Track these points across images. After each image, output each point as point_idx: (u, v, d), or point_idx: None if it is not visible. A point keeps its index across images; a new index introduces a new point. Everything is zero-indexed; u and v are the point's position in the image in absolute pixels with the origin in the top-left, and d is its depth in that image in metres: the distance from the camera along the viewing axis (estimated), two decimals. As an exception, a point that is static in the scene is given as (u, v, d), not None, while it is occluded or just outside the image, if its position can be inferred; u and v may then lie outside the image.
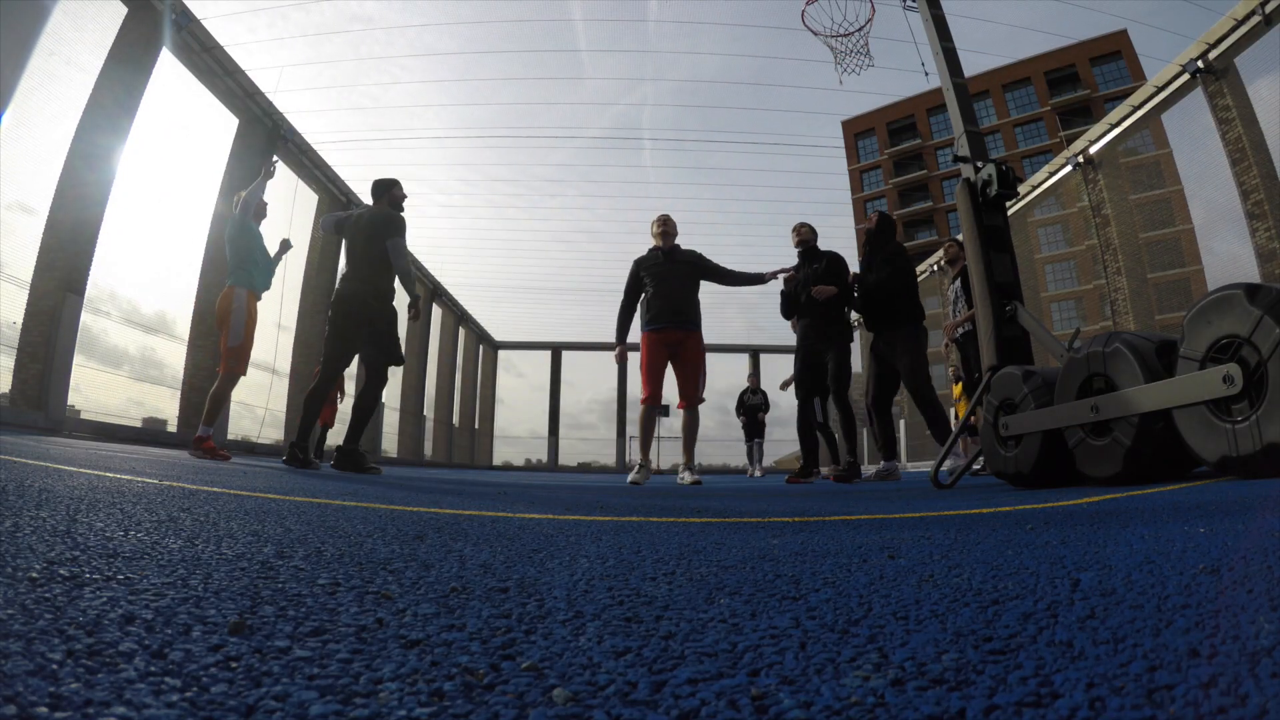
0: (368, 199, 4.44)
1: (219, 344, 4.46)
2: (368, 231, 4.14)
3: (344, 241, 4.30)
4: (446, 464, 14.87)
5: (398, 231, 4.15)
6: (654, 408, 4.51)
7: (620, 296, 4.70)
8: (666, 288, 4.52)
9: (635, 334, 4.64)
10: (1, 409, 5.13)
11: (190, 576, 0.64)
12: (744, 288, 4.83)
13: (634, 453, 18.27)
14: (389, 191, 4.33)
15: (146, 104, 6.31)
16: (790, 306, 5.12)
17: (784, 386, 7.88)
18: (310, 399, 4.14)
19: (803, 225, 5.12)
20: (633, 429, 18.54)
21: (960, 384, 10.74)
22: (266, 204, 4.81)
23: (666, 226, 4.70)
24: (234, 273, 4.47)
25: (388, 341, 4.15)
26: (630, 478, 4.19)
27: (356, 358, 4.34)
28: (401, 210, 4.40)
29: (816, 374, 5.00)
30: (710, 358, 4.78)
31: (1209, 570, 0.68)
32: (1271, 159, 6.03)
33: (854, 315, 6.53)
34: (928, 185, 43.08)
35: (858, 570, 0.79)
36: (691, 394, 4.53)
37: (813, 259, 4.97)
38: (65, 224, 5.63)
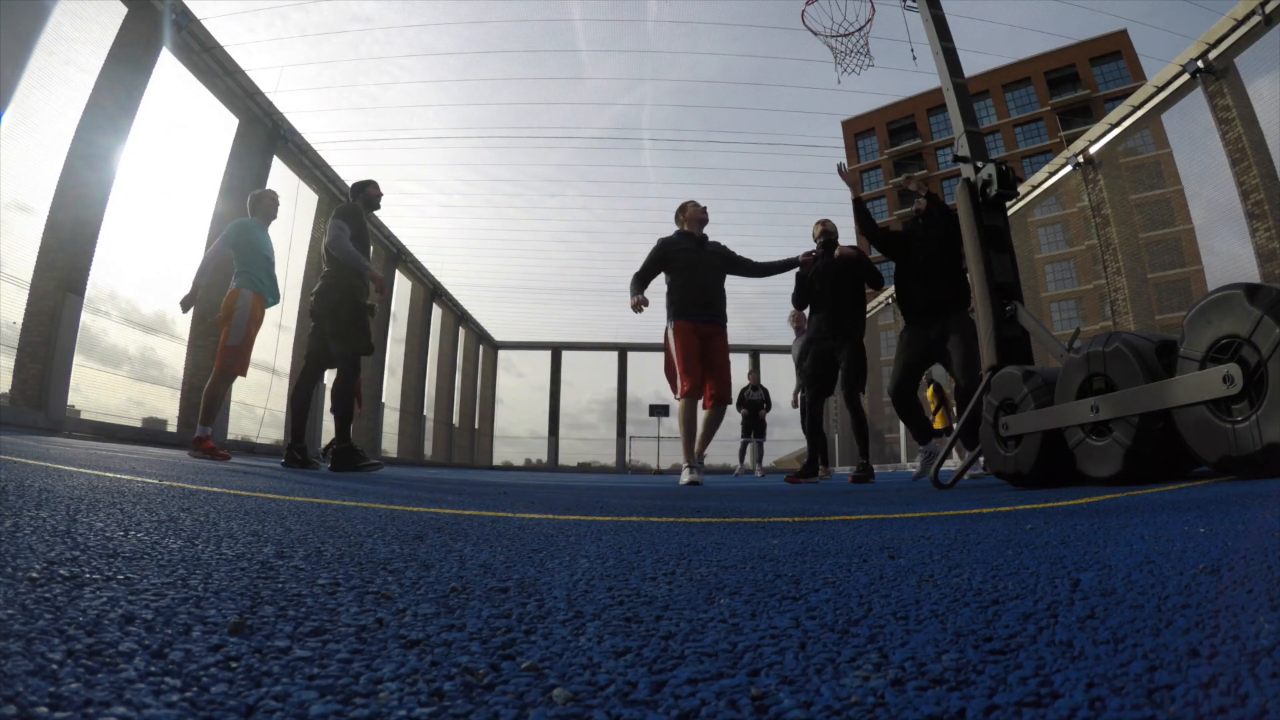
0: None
1: (219, 342, 4.47)
2: (326, 228, 4.24)
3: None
4: (446, 464, 14.87)
5: (339, 214, 4.17)
6: (697, 400, 4.17)
7: (628, 283, 4.34)
8: (699, 277, 4.27)
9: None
10: (1, 409, 5.13)
11: (190, 576, 0.64)
12: (768, 277, 4.65)
13: (634, 453, 18.28)
14: (363, 191, 4.44)
15: (146, 104, 6.32)
16: (804, 295, 5.00)
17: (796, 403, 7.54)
18: (294, 398, 4.18)
19: (827, 220, 5.07)
20: (633, 429, 18.53)
21: (931, 387, 10.83)
22: (278, 204, 4.84)
23: (706, 214, 4.45)
24: (239, 275, 4.50)
25: (351, 332, 4.13)
26: (688, 479, 3.91)
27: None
28: (376, 208, 4.50)
29: (830, 373, 4.86)
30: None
31: (1209, 570, 0.68)
32: (1271, 159, 6.03)
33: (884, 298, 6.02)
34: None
35: (858, 570, 0.79)
36: (726, 394, 4.28)
37: (832, 252, 4.88)
38: (65, 224, 5.63)
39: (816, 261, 4.83)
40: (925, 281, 4.17)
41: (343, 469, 3.89)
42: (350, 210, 4.25)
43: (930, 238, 4.25)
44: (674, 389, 4.26)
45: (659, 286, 4.45)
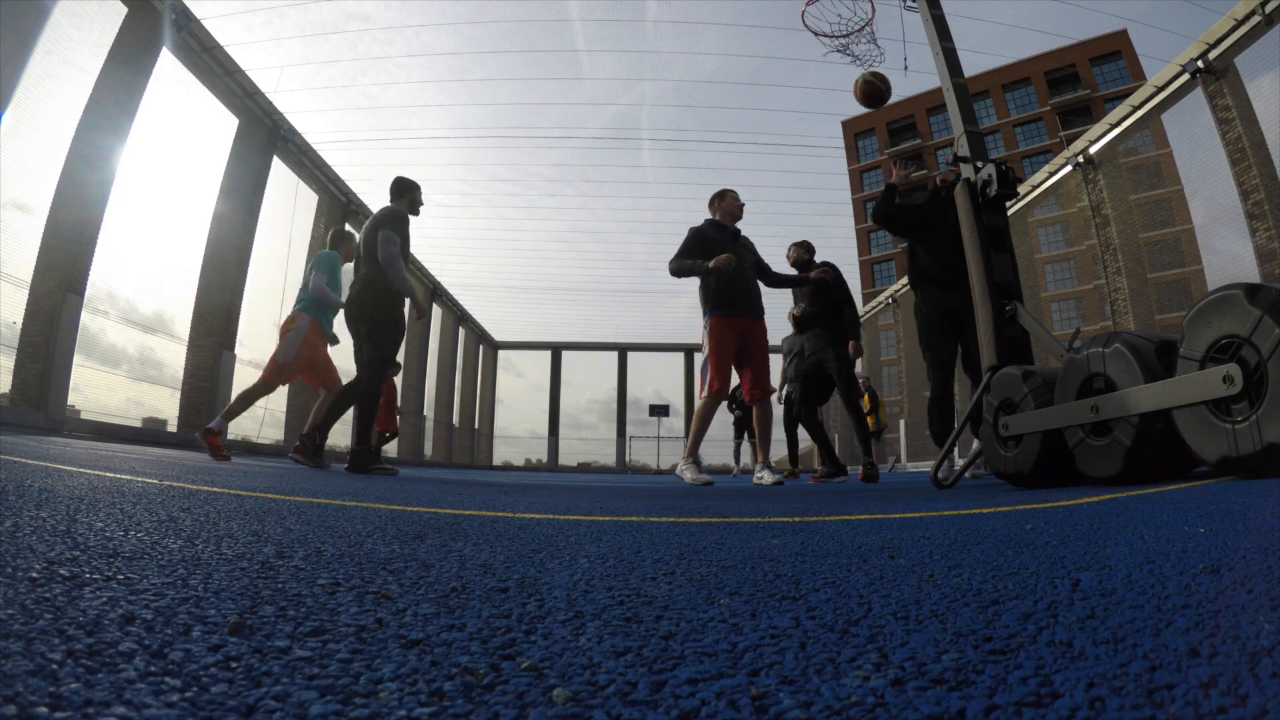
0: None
1: (271, 355, 4.63)
2: (369, 227, 4.15)
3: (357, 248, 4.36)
4: (446, 464, 14.87)
5: (389, 223, 4.05)
6: (719, 402, 4.07)
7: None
8: (737, 270, 4.08)
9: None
10: (1, 409, 5.13)
11: (190, 576, 0.64)
12: (781, 289, 4.57)
13: (634, 453, 18.27)
14: (409, 194, 4.32)
15: (147, 104, 6.32)
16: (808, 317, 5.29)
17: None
18: (340, 394, 4.23)
19: (820, 262, 5.36)
20: (633, 429, 18.53)
21: (867, 394, 11.50)
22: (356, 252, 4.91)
23: (741, 210, 4.29)
24: (309, 301, 4.63)
25: (386, 336, 4.08)
26: (701, 479, 3.84)
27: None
28: (417, 214, 4.41)
29: (826, 381, 5.22)
30: (699, 357, 4.39)
31: (1209, 570, 0.68)
32: (1271, 159, 6.03)
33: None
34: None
35: (858, 570, 0.79)
36: (767, 384, 4.15)
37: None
38: (65, 224, 5.63)
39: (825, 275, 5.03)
40: (944, 260, 4.09)
41: (357, 470, 3.88)
42: (399, 217, 4.11)
43: (948, 215, 4.12)
44: (703, 385, 4.11)
45: (689, 285, 4.35)
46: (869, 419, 10.88)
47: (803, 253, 5.42)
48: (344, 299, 4.44)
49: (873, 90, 4.16)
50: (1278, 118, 5.99)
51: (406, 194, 4.30)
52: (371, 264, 4.07)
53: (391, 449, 12.92)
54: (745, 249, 4.26)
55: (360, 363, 4.16)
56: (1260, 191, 6.04)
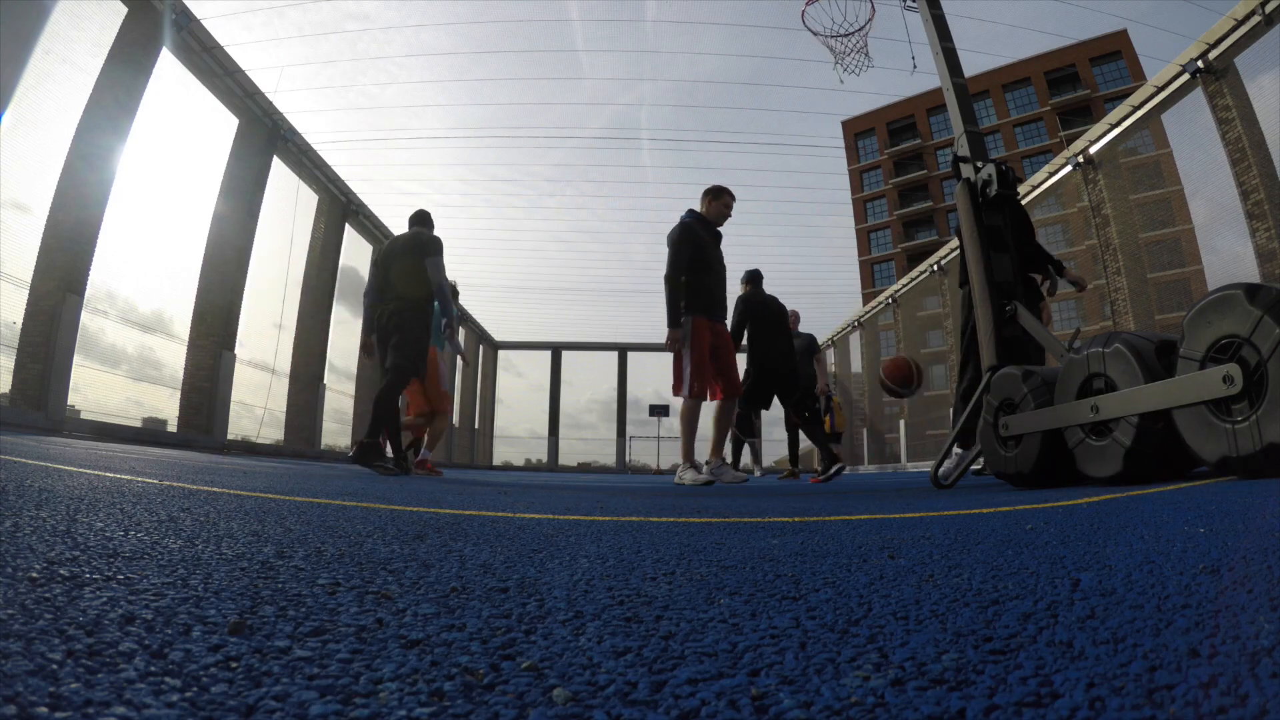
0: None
1: (431, 392, 5.13)
2: (405, 251, 4.43)
3: (377, 269, 4.52)
4: (446, 464, 14.86)
5: (437, 250, 4.46)
6: (703, 402, 4.05)
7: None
8: (717, 273, 4.11)
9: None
10: (1, 409, 5.13)
11: (190, 576, 0.64)
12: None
13: (634, 453, 18.27)
14: (428, 223, 4.77)
15: (147, 104, 6.32)
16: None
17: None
18: (384, 405, 4.41)
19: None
20: (634, 429, 18.53)
21: (824, 399, 11.96)
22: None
23: (729, 212, 4.31)
24: (435, 334, 5.04)
25: (411, 349, 4.31)
26: (701, 479, 3.86)
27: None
28: None
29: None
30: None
31: (1209, 570, 0.68)
32: (1271, 159, 6.03)
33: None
34: (928, 185, 43.07)
35: (858, 570, 0.79)
36: (735, 384, 4.20)
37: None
38: (65, 224, 5.63)
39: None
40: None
41: (359, 461, 4.07)
42: (437, 241, 4.50)
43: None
44: (678, 386, 4.08)
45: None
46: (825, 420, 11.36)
47: (746, 285, 5.85)
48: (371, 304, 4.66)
49: (902, 375, 5.12)
50: (1278, 118, 5.99)
51: (426, 223, 4.76)
52: (407, 285, 4.37)
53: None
54: (721, 253, 4.35)
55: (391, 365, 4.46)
56: (1260, 191, 6.03)
